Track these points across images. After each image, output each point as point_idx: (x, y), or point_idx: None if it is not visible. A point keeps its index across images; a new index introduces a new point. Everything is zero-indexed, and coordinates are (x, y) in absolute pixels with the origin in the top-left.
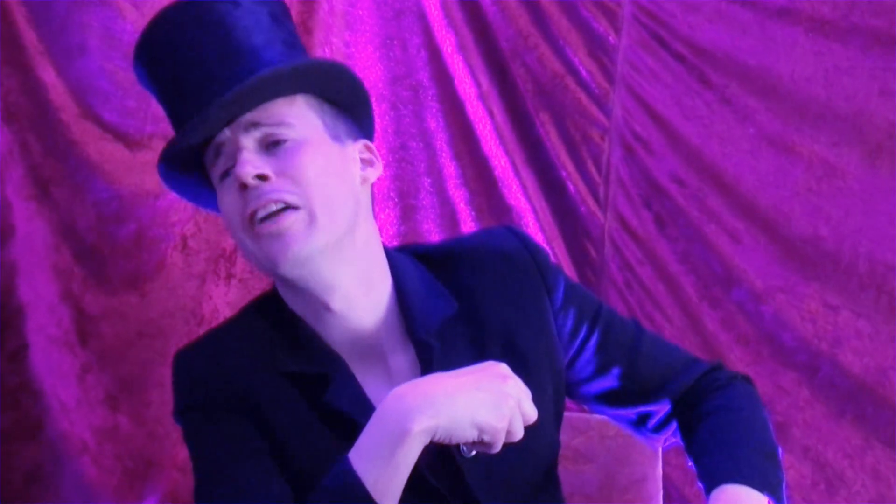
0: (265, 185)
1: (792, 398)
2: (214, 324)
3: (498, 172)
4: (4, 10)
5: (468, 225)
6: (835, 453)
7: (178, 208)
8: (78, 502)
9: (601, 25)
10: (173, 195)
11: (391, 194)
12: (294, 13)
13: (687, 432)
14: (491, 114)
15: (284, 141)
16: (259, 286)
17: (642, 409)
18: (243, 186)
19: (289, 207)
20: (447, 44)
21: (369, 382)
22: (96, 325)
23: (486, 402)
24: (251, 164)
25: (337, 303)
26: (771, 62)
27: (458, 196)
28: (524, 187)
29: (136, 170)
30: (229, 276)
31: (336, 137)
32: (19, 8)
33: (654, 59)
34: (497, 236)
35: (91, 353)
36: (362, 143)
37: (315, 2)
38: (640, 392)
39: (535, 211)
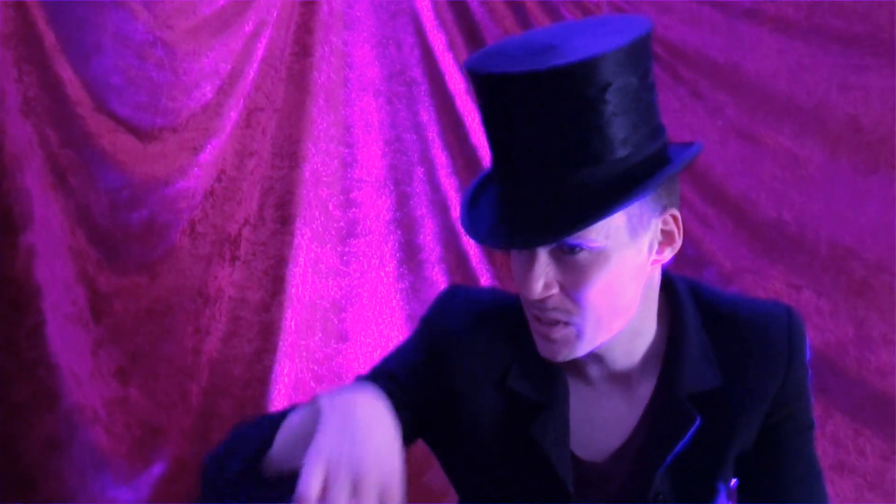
0: (547, 301)
1: None
2: (220, 303)
3: (486, 161)
4: (25, 10)
5: (458, 211)
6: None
7: (186, 195)
8: (91, 468)
9: None
10: (182, 184)
11: (387, 182)
12: (296, 14)
13: None
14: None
15: (580, 250)
16: (261, 268)
17: None
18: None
19: (561, 322)
20: (438, 43)
21: (604, 404)
22: (109, 304)
23: None
24: (540, 281)
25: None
26: (738, 59)
27: (449, 184)
28: None
29: (147, 160)
30: (234, 259)
31: (636, 230)
32: (38, 9)
33: None
34: (773, 319)
35: (104, 329)
36: (668, 215)
37: (316, 3)
38: None
39: None
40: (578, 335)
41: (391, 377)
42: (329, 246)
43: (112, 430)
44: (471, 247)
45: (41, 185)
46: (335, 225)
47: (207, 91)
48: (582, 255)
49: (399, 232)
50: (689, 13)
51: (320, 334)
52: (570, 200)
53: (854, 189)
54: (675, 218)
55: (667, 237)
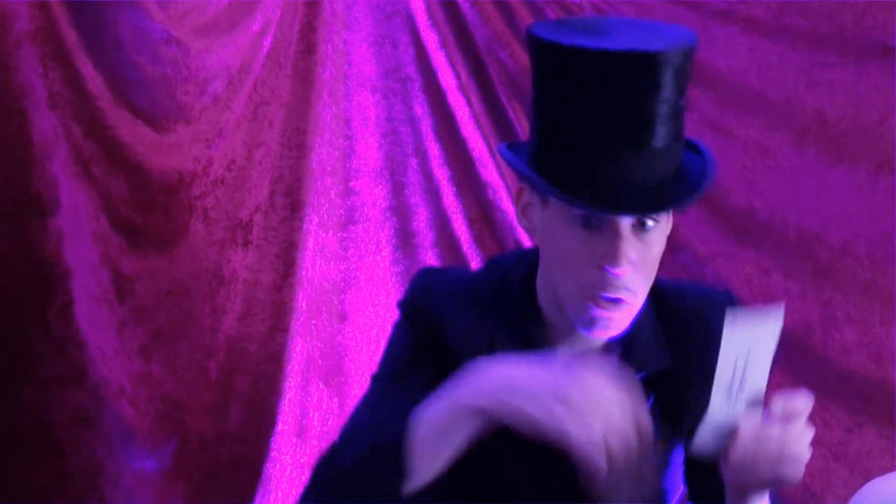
0: (625, 278)
1: None
2: (234, 285)
3: (475, 153)
4: (48, 10)
5: (450, 199)
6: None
7: (199, 184)
8: (118, 440)
9: None
10: (195, 172)
11: (383, 172)
12: (299, 14)
13: None
14: (469, 102)
15: (655, 226)
16: (273, 251)
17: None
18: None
19: (623, 301)
20: (431, 41)
21: None
22: (131, 285)
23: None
24: (629, 259)
25: None
26: (711, 57)
27: (441, 174)
28: (498, 166)
29: (163, 150)
30: (246, 243)
31: None
32: (61, 9)
33: None
34: (715, 306)
35: (127, 309)
36: None
37: (318, 4)
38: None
39: (507, 187)
40: (630, 313)
41: (404, 376)
42: (332, 232)
43: (136, 404)
44: (462, 233)
45: (67, 173)
46: (336, 212)
47: (218, 86)
48: (653, 233)
49: (394, 219)
50: (665, 14)
51: (325, 315)
52: (680, 174)
53: (820, 178)
54: None
55: None
